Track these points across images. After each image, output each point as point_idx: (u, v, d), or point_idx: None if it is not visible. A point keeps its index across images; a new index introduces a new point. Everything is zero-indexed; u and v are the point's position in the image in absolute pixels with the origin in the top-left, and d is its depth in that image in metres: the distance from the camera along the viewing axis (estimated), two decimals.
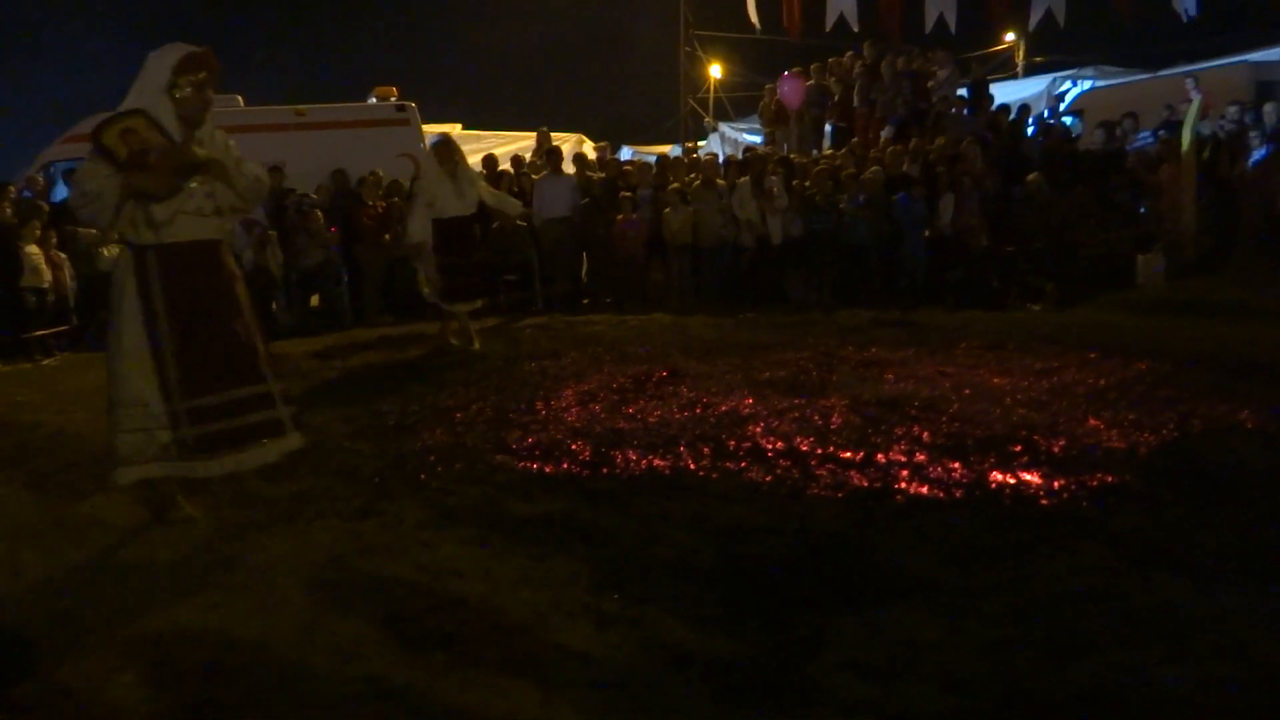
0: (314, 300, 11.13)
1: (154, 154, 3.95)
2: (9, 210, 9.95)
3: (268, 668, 2.95)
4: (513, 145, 14.74)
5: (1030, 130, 13.72)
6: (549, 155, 11.95)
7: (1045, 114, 15.86)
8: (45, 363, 9.32)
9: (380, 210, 11.12)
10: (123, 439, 4.05)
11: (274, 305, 10.44)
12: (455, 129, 14.66)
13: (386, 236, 10.91)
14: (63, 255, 10.01)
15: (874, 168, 11.24)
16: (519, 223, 11.01)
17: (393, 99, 13.42)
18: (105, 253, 10.35)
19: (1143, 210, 11.01)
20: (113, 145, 3.92)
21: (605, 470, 4.73)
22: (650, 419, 5.60)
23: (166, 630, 3.21)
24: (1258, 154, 11.13)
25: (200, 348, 4.09)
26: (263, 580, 3.58)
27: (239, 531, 4.13)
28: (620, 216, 11.14)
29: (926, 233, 10.71)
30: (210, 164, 4.08)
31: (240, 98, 12.81)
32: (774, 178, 11.04)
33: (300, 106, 13.17)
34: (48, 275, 9.71)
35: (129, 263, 4.10)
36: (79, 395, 7.26)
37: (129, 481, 4.14)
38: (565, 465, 4.82)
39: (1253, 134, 11.43)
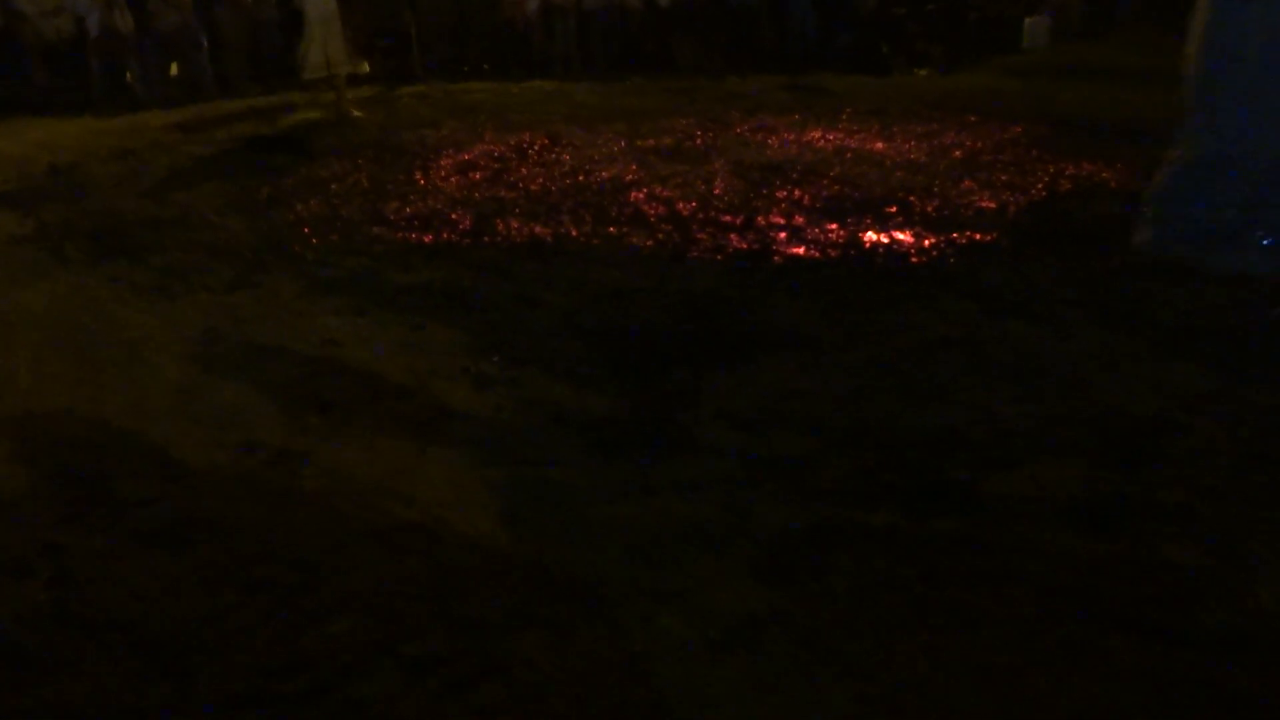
0: (173, 69, 10.34)
1: None
2: None
3: (142, 438, 2.92)
4: None
5: None
6: None
7: None
8: None
9: None
10: None
11: (128, 75, 9.66)
12: None
13: None
14: None
15: None
16: None
17: None
18: None
19: None
20: None
21: (486, 239, 4.67)
22: (532, 187, 5.49)
23: (33, 407, 3.14)
24: None
25: None
26: (132, 354, 3.49)
27: (101, 306, 3.98)
28: None
29: None
30: None
31: None
32: None
33: None
34: None
35: None
36: None
37: None
38: (445, 235, 4.73)
39: None
